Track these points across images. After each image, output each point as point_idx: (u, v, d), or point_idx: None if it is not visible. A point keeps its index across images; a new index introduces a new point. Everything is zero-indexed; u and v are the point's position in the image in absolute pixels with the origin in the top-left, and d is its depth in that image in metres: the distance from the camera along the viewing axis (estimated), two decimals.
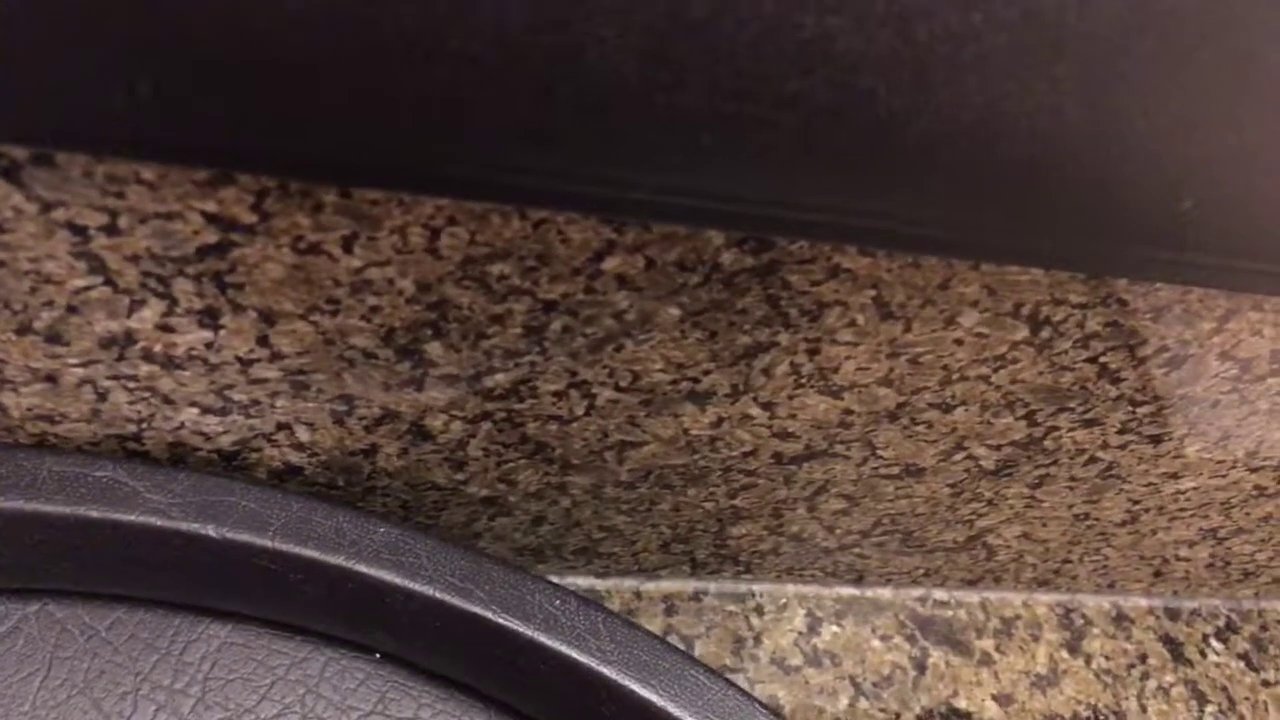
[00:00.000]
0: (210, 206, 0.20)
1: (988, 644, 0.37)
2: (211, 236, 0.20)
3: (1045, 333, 0.25)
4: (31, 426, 0.25)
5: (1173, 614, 0.40)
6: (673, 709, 0.26)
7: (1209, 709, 0.38)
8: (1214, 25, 0.17)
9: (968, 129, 0.18)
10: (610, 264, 0.22)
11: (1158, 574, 0.38)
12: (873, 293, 0.23)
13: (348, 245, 0.21)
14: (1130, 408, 0.28)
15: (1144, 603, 0.40)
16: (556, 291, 0.22)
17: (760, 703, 0.27)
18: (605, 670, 0.26)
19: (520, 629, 0.26)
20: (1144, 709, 0.37)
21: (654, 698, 0.26)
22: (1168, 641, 0.39)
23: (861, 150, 0.18)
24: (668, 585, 0.35)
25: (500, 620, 0.26)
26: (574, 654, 0.26)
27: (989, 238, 0.20)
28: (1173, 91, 0.18)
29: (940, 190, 0.19)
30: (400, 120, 0.17)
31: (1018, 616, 0.38)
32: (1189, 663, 0.39)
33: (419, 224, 0.20)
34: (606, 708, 0.27)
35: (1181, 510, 0.34)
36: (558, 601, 0.27)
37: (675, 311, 0.23)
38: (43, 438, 0.25)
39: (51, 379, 0.23)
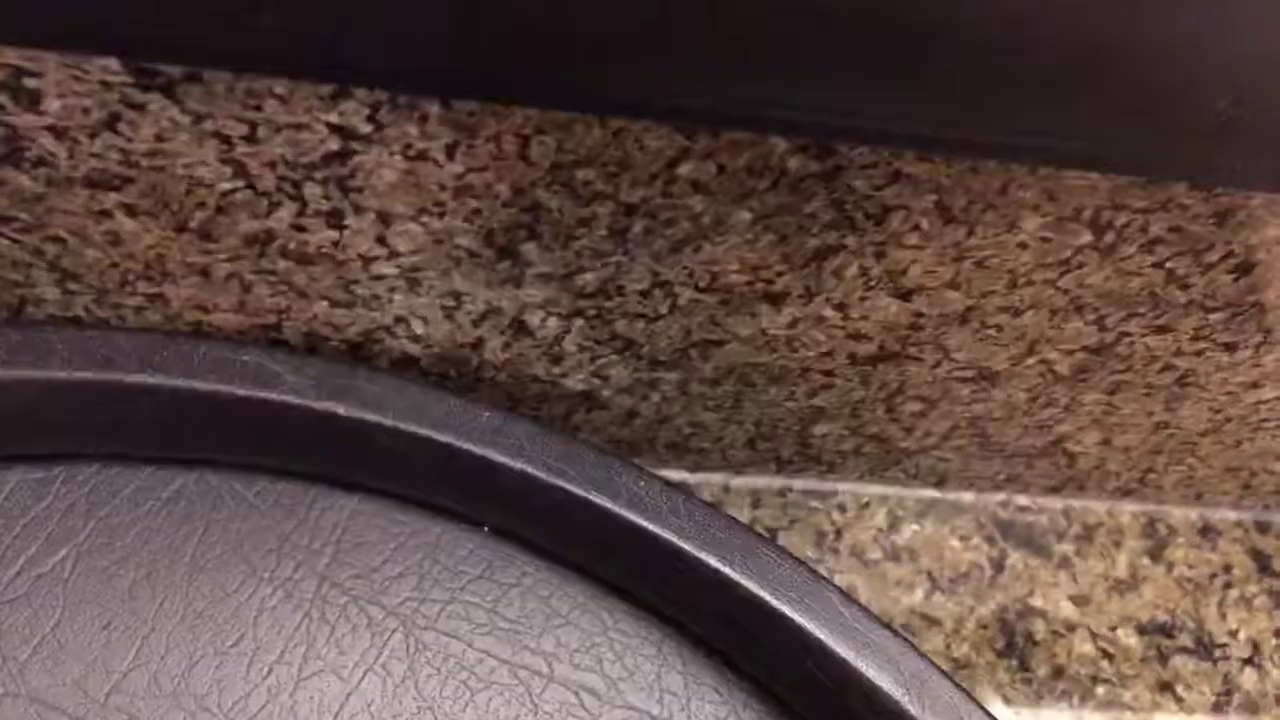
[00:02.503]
0: (333, 118, 0.22)
1: (1067, 548, 0.38)
2: (334, 144, 0.23)
3: (1109, 237, 0.26)
4: (189, 315, 0.29)
5: (1262, 527, 0.40)
6: (746, 582, 0.29)
7: None
8: None
9: (1014, 29, 0.19)
10: (684, 169, 0.24)
11: (1247, 486, 0.39)
12: (934, 197, 0.25)
13: (450, 153, 0.23)
14: (1202, 314, 0.29)
15: (1232, 515, 0.40)
16: (636, 195, 0.25)
17: (827, 580, 0.29)
18: (685, 545, 0.29)
19: (609, 506, 0.29)
20: (1223, 616, 0.38)
21: (729, 571, 0.29)
22: (1254, 554, 0.39)
23: (911, 55, 0.20)
24: (755, 481, 0.38)
25: (591, 498, 0.29)
26: (657, 530, 0.29)
27: (1041, 140, 0.21)
28: None
29: (991, 94, 0.21)
30: (488, 37, 0.20)
31: (1100, 524, 0.39)
32: (1275, 574, 0.39)
33: (511, 133, 0.23)
34: (686, 579, 0.29)
35: (1265, 421, 0.34)
36: (643, 483, 0.30)
37: (747, 215, 0.25)
38: (199, 325, 0.29)
39: (205, 273, 0.27)
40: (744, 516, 0.37)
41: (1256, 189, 0.24)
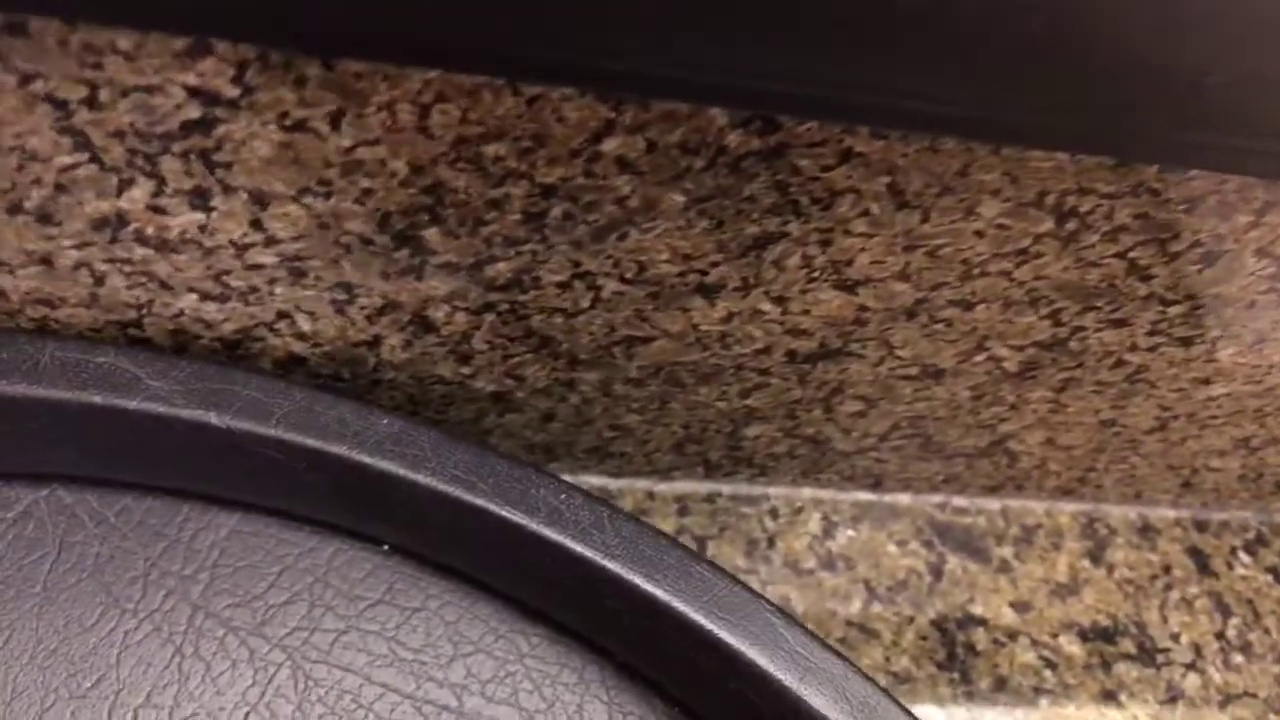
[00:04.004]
0: (190, 79, 0.19)
1: (1006, 551, 0.36)
2: (194, 111, 0.20)
3: (1071, 224, 0.24)
4: (32, 311, 0.25)
5: (1200, 526, 0.39)
6: (677, 603, 0.26)
7: (1233, 621, 0.37)
8: None
9: None
10: (610, 145, 0.21)
11: (1186, 484, 0.37)
12: (887, 179, 0.22)
13: (335, 122, 0.20)
14: (1161, 307, 0.27)
15: (1171, 514, 0.39)
16: (555, 175, 0.22)
17: (766, 599, 0.26)
18: (609, 564, 0.26)
19: (524, 522, 0.26)
20: (1165, 620, 0.36)
21: (658, 592, 0.26)
22: (1194, 553, 0.38)
23: (868, 17, 0.17)
24: (681, 486, 0.35)
25: (504, 513, 0.26)
26: (578, 548, 0.26)
27: (1007, 114, 0.19)
28: None
29: (953, 62, 0.18)
30: None
31: (1039, 525, 0.37)
32: (1215, 575, 0.38)
33: (407, 100, 0.20)
34: (611, 601, 0.27)
35: (1213, 418, 0.33)
36: (563, 496, 0.27)
37: (680, 198, 0.22)
38: (44, 322, 0.25)
39: (47, 261, 0.23)
40: (670, 524, 0.34)
41: (1234, 171, 0.22)
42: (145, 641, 0.27)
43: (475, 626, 0.29)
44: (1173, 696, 0.35)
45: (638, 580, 0.26)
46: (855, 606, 0.34)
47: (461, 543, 0.28)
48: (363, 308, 0.25)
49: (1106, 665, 0.35)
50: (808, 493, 0.36)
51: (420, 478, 0.26)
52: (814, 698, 0.26)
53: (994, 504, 0.37)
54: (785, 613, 0.27)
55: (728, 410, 0.31)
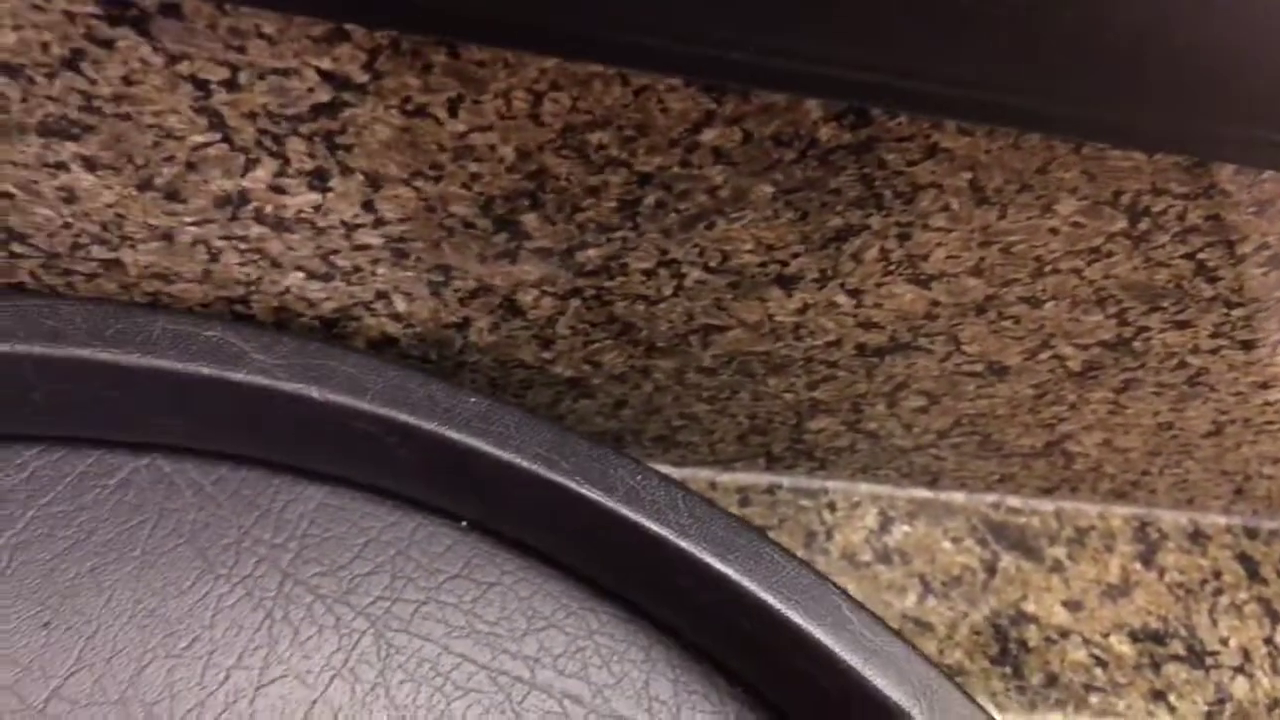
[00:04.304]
0: (325, 63, 0.20)
1: (1060, 552, 0.37)
2: (325, 95, 0.21)
3: (1144, 224, 0.25)
4: (147, 285, 0.26)
5: (1251, 533, 0.39)
6: (748, 583, 0.27)
7: None
8: None
9: None
10: (708, 136, 0.22)
11: (1239, 491, 0.38)
12: (969, 175, 0.23)
13: (453, 109, 0.21)
14: (1225, 309, 0.28)
15: (1222, 520, 0.39)
16: (653, 163, 0.23)
17: (833, 583, 0.27)
18: (683, 544, 0.27)
19: (602, 500, 0.27)
20: (1215, 623, 0.37)
21: (730, 571, 0.27)
22: (1244, 560, 0.39)
23: (961, 12, 0.18)
24: (743, 478, 0.36)
25: (583, 491, 0.27)
26: (653, 526, 0.27)
27: (1090, 111, 0.20)
28: None
29: (1043, 59, 0.19)
30: None
31: (1092, 527, 0.38)
32: (1264, 581, 0.38)
33: (523, 88, 0.21)
34: (683, 579, 0.27)
35: (1269, 423, 0.33)
36: (640, 477, 0.28)
37: (769, 188, 0.23)
38: (157, 296, 0.27)
39: (168, 237, 0.25)
40: None
41: None
42: (237, 606, 0.28)
43: (548, 603, 0.30)
44: (1221, 699, 0.36)
45: (710, 559, 0.27)
46: (910, 600, 0.35)
47: (539, 519, 0.29)
48: (456, 290, 0.27)
49: (1156, 666, 0.36)
50: (865, 488, 0.37)
51: (504, 454, 0.27)
52: (877, 679, 0.27)
53: (1048, 505, 0.38)
54: (851, 596, 0.27)
55: (794, 402, 0.32)
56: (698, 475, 0.36)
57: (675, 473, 0.36)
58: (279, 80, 0.20)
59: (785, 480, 0.36)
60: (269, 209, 0.24)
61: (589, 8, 0.18)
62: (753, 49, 0.19)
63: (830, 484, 0.37)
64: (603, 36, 0.19)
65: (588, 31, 0.19)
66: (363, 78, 0.20)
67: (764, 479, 0.36)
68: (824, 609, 0.27)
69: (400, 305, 0.27)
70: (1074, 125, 0.21)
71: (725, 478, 0.36)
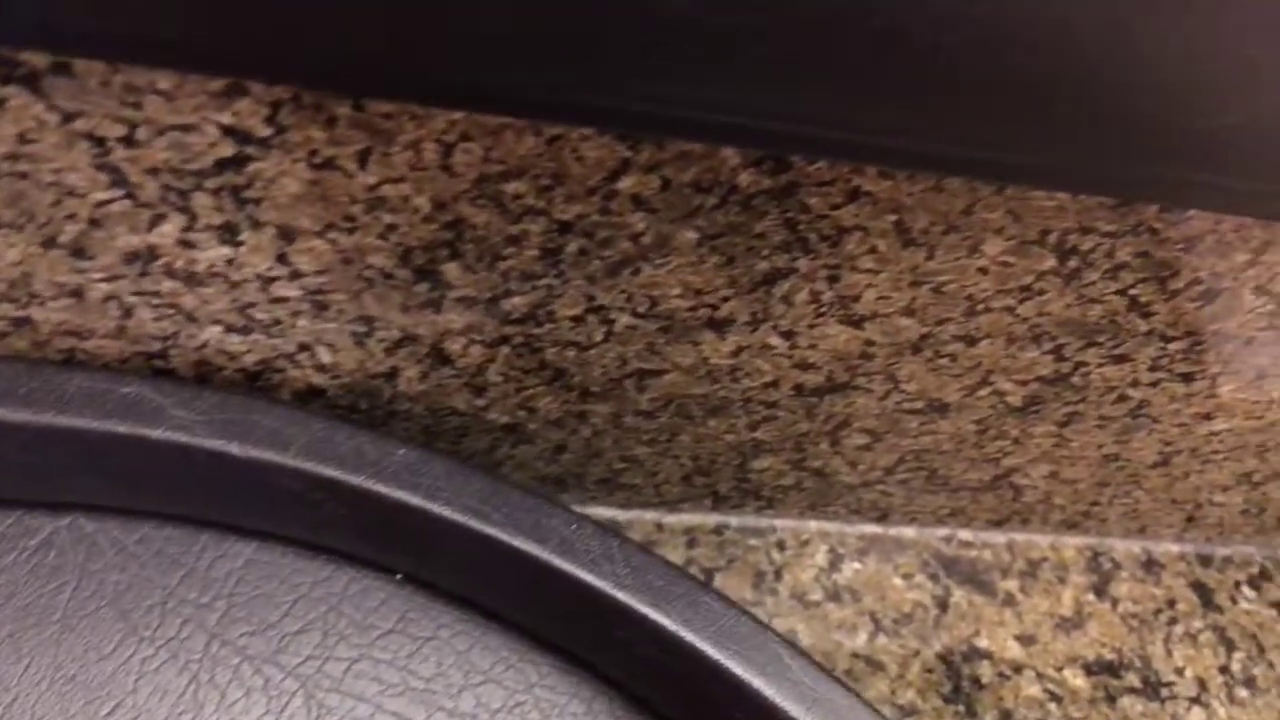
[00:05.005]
0: (225, 118, 0.20)
1: (1012, 585, 0.37)
2: (228, 149, 0.20)
3: (1073, 262, 0.24)
4: (60, 342, 0.26)
5: (1204, 560, 0.39)
6: (686, 634, 0.26)
7: (1236, 655, 0.37)
8: None
9: (985, 36, 0.17)
10: (625, 184, 0.22)
11: (1190, 519, 0.38)
12: (894, 218, 0.23)
13: (362, 161, 0.21)
14: (1161, 343, 0.28)
15: (1175, 548, 0.39)
16: (572, 212, 0.22)
17: (773, 630, 0.27)
18: (619, 595, 0.27)
19: (536, 552, 0.27)
20: (1169, 653, 0.37)
21: (666, 622, 0.26)
22: (1198, 587, 0.39)
23: (876, 60, 0.18)
24: (689, 518, 0.36)
25: (516, 543, 0.27)
26: (588, 578, 0.27)
27: (1011, 155, 0.20)
28: None
29: (958, 105, 0.19)
30: (406, 29, 0.17)
31: (1044, 559, 0.38)
32: (1219, 609, 0.38)
33: (432, 139, 0.20)
34: (620, 631, 0.27)
35: (1215, 453, 0.33)
36: (574, 526, 0.27)
37: (692, 234, 0.23)
38: (71, 353, 0.26)
39: (77, 294, 0.24)
40: (679, 556, 0.35)
41: (1231, 212, 0.23)
42: (162, 669, 0.27)
43: (486, 656, 0.29)
44: None
45: (646, 610, 0.27)
46: (861, 639, 0.35)
47: (473, 572, 0.28)
48: (381, 340, 0.26)
49: (1111, 699, 0.35)
50: (814, 525, 0.36)
51: (434, 507, 0.26)
52: None
53: (999, 537, 0.38)
54: (791, 643, 0.27)
55: (736, 443, 0.31)
56: (644, 517, 0.35)
57: (621, 515, 0.35)
58: (179, 136, 0.20)
59: (733, 520, 0.36)
60: (180, 264, 0.23)
61: (493, 63, 0.18)
62: (662, 101, 0.19)
63: (779, 522, 0.36)
64: (510, 91, 0.18)
65: (493, 87, 0.18)
66: (265, 131, 0.20)
67: (711, 519, 0.36)
68: (764, 657, 0.27)
69: (325, 357, 0.27)
70: (993, 169, 0.20)
71: (671, 519, 0.35)
